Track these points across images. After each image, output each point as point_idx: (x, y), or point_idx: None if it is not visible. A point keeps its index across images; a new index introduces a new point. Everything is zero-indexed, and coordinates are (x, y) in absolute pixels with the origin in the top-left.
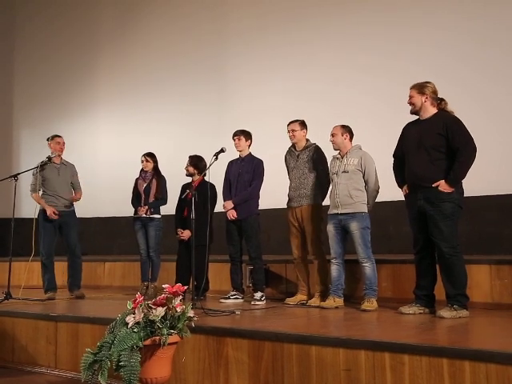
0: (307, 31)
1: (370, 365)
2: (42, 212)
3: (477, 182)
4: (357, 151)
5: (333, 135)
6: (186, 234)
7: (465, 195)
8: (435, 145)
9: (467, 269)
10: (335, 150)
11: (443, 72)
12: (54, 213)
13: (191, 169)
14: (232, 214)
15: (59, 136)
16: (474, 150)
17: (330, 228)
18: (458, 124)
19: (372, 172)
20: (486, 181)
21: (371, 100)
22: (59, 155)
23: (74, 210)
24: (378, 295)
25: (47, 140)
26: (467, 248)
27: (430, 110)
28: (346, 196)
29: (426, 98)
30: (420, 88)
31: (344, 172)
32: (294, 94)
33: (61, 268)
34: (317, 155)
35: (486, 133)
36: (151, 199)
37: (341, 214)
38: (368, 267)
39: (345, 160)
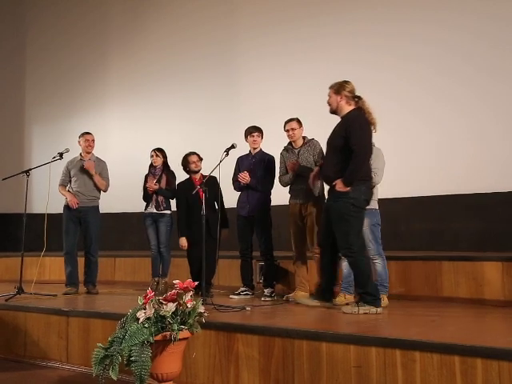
0: (320, 27)
1: (380, 362)
2: (66, 208)
3: (488, 179)
4: None
5: None
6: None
7: (476, 192)
8: (338, 145)
9: (479, 266)
10: None
11: (447, 70)
12: (74, 203)
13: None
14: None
15: (88, 133)
16: (366, 152)
17: None
18: (355, 125)
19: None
20: (497, 177)
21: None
22: (88, 152)
23: (96, 207)
24: (388, 292)
25: (79, 137)
26: (479, 245)
27: (345, 109)
28: None
29: (341, 97)
30: (337, 88)
31: None
32: (307, 90)
33: (80, 263)
34: (317, 149)
35: (495, 130)
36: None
37: None
38: (379, 264)
39: None
